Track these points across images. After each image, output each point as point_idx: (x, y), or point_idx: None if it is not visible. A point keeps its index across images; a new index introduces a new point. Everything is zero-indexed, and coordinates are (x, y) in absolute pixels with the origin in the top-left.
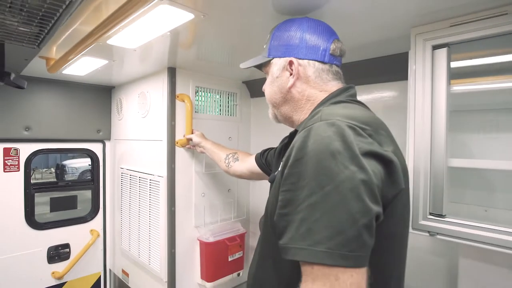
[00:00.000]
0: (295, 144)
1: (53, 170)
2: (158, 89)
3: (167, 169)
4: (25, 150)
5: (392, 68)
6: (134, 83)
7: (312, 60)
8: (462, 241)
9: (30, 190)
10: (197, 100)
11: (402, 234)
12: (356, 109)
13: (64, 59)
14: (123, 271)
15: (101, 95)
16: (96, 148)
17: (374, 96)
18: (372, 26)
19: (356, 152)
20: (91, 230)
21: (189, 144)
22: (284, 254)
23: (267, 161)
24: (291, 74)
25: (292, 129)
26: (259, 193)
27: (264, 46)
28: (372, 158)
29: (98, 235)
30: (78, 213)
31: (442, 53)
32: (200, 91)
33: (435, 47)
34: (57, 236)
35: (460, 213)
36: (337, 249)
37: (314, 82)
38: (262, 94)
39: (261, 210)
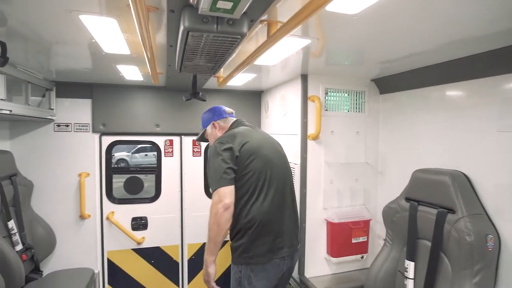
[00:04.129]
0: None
1: None
2: (294, 93)
3: (300, 158)
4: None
5: None
6: (277, 88)
7: (220, 119)
8: None
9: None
10: (327, 99)
11: (254, 177)
12: (230, 133)
13: (229, 76)
14: None
15: (253, 99)
16: None
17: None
18: None
19: (219, 152)
20: None
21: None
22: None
23: None
24: (214, 128)
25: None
26: (388, 186)
27: (201, 127)
28: (227, 150)
29: None
30: None
31: None
32: (330, 91)
33: None
34: None
35: None
36: (216, 184)
37: (223, 126)
38: (392, 90)
39: (388, 201)
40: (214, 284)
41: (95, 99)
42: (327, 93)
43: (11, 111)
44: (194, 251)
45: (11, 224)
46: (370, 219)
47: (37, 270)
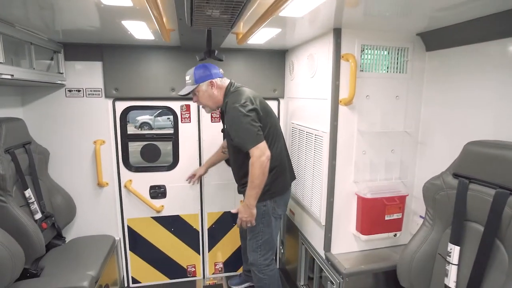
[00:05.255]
0: (230, 114)
1: None
2: (324, 51)
3: (330, 126)
4: None
5: None
6: (304, 46)
7: (217, 78)
8: None
9: None
10: (363, 58)
11: (271, 130)
12: (241, 93)
13: (249, 32)
14: (290, 210)
15: (276, 59)
16: (272, 104)
17: None
18: None
19: (246, 113)
20: None
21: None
22: (244, 149)
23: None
24: (212, 86)
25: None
26: (430, 159)
27: (189, 81)
28: (252, 111)
29: None
30: None
31: None
32: (367, 49)
33: None
34: None
35: None
36: (255, 141)
37: (220, 85)
38: (442, 46)
39: (429, 175)
40: (254, 221)
41: (106, 61)
42: (363, 51)
43: (12, 75)
44: (214, 220)
45: (28, 193)
46: (407, 195)
47: (59, 236)
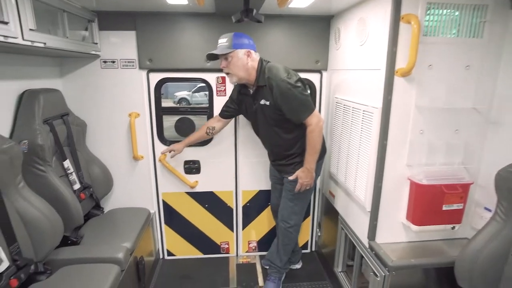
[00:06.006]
0: (279, 88)
1: None
2: (380, 12)
3: (382, 101)
4: None
5: None
6: (353, 10)
7: (254, 50)
8: None
9: None
10: (427, 20)
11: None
12: (278, 68)
13: None
14: (330, 192)
15: (320, 26)
16: (314, 78)
17: None
18: None
19: (295, 84)
20: None
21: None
22: (299, 120)
23: (230, 113)
24: (248, 57)
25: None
26: (504, 141)
27: (226, 44)
28: (299, 81)
29: None
30: None
31: None
32: (433, 8)
33: None
34: None
35: None
36: (310, 109)
37: (255, 59)
38: None
39: (501, 162)
40: (313, 183)
41: (139, 30)
42: (428, 11)
43: (45, 43)
44: (249, 198)
45: (67, 164)
46: (471, 183)
47: (98, 207)
